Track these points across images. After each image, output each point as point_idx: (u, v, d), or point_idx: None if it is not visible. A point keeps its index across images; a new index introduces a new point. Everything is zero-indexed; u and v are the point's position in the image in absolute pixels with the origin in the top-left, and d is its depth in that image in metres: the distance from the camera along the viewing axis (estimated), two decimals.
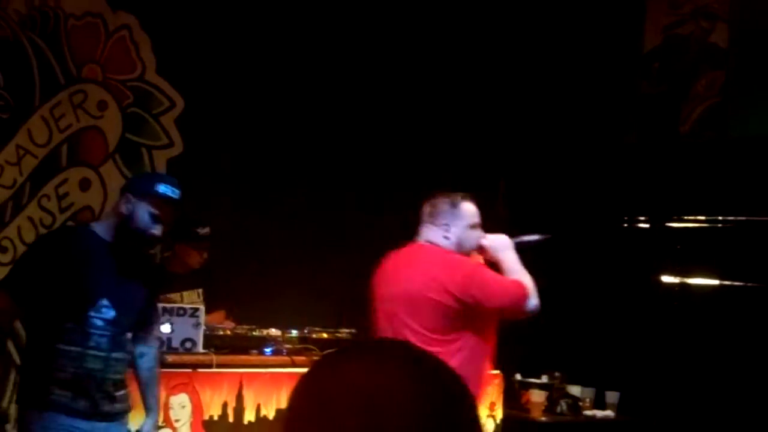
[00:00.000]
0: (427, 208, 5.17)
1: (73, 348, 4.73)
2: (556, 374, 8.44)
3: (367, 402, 1.40)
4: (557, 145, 9.49)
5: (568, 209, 9.32)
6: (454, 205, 5.10)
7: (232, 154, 7.97)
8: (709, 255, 8.48)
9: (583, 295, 9.05)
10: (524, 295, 4.90)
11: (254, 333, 6.80)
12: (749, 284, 8.25)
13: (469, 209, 5.11)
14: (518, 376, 8.36)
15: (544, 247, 5.48)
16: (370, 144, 8.65)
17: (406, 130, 8.84)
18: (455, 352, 4.80)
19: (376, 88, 8.68)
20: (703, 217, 8.62)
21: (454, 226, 5.08)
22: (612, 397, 8.46)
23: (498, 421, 7.43)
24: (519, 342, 8.38)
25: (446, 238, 5.08)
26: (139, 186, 4.98)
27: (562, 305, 9.03)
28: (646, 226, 8.86)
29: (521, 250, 5.19)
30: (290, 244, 8.07)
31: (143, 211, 4.80)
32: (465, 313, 4.88)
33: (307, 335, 6.96)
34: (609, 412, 8.41)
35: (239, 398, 6.32)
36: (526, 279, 4.98)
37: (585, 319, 9.00)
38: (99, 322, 4.77)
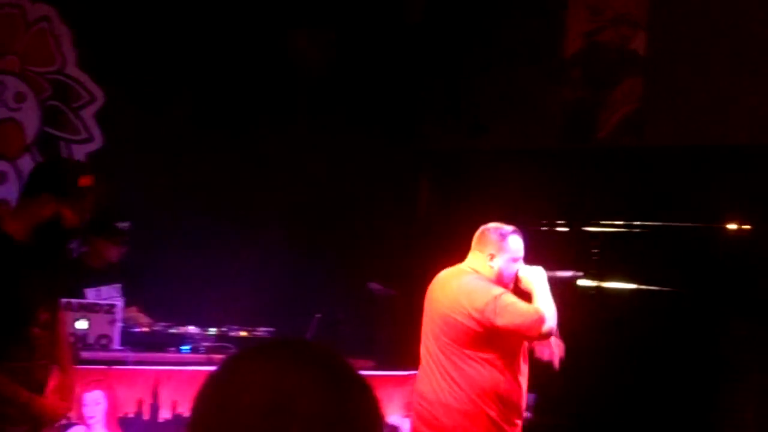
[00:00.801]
0: (477, 236, 5.70)
1: (19, 364, 4.53)
2: None
3: (271, 402, 1.40)
4: (478, 147, 9.54)
5: (488, 212, 9.36)
6: (502, 237, 5.61)
7: (152, 149, 7.90)
8: (625, 259, 8.57)
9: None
10: (538, 320, 5.33)
11: (172, 330, 6.75)
12: (665, 288, 8.36)
13: (514, 243, 5.61)
14: None
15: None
16: (290, 142, 8.64)
17: (319, 124, 8.85)
18: (488, 367, 5.43)
19: (291, 86, 8.69)
20: (620, 222, 8.71)
21: (498, 256, 5.58)
22: (528, 399, 8.50)
23: None
24: None
25: (490, 267, 5.58)
26: (59, 185, 4.65)
27: None
28: (565, 230, 8.94)
29: (553, 283, 5.64)
30: (210, 242, 8.03)
31: (67, 210, 4.56)
32: (489, 333, 5.37)
33: (225, 333, 6.92)
34: (526, 414, 8.46)
35: (155, 396, 6.27)
36: (547, 307, 5.41)
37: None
38: (40, 333, 4.59)
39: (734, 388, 7.32)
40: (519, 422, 5.72)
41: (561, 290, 5.67)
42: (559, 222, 8.98)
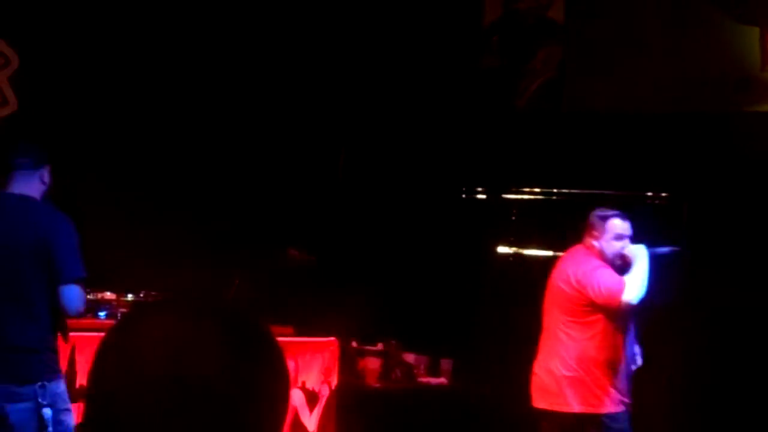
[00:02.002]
0: (588, 218, 6.37)
1: None
2: (392, 342, 8.52)
3: (173, 352, 1.41)
4: (398, 116, 9.54)
5: (408, 179, 9.39)
6: (604, 220, 6.27)
7: (68, 112, 7.78)
8: (543, 226, 8.63)
9: (419, 265, 9.13)
10: (619, 292, 6.00)
11: (88, 296, 6.67)
12: None
13: (615, 225, 6.25)
14: (354, 344, 8.40)
15: None
16: (209, 113, 8.57)
17: (246, 102, 8.79)
18: (590, 337, 6.12)
19: (216, 57, 8.60)
20: (538, 189, 8.77)
21: (601, 236, 6.25)
22: (446, 364, 8.58)
23: (333, 387, 7.46)
24: (356, 310, 8.43)
25: (594, 245, 6.28)
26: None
27: (399, 274, 9.12)
28: (483, 197, 8.98)
29: (655, 257, 6.20)
30: (127, 206, 7.94)
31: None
32: (587, 303, 6.09)
33: (142, 299, 6.86)
34: (442, 380, 8.53)
35: (71, 362, 6.18)
36: (633, 282, 6.04)
37: (421, 287, 9.09)
38: None
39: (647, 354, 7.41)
40: (615, 388, 6.17)
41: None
42: (478, 189, 9.02)
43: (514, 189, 8.80)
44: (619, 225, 6.27)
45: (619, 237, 6.25)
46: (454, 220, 9.09)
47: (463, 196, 9.03)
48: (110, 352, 1.11)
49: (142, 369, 1.10)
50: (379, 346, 8.48)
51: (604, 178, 8.49)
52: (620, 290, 6.01)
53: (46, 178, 5.18)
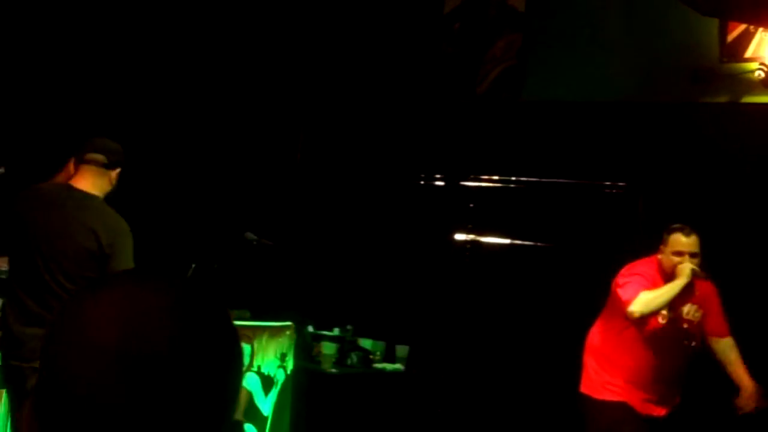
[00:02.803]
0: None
1: None
2: (348, 327, 8.52)
3: (123, 326, 1.39)
4: (358, 101, 9.53)
5: (367, 165, 9.39)
6: (668, 233, 6.48)
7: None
8: (501, 214, 8.65)
9: (377, 250, 9.14)
10: (627, 302, 6.25)
11: None
12: (538, 244, 8.47)
13: (676, 240, 6.43)
14: (310, 328, 8.39)
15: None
16: (167, 97, 8.50)
17: (204, 86, 8.73)
18: (605, 329, 6.58)
19: (175, 40, 8.54)
20: (496, 177, 8.78)
21: (664, 248, 6.48)
22: (402, 350, 8.59)
23: (289, 372, 7.44)
24: (312, 295, 8.42)
25: (658, 255, 6.51)
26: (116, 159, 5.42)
27: (356, 260, 9.12)
28: (442, 184, 8.98)
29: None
30: None
31: None
32: (618, 303, 6.37)
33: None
34: (398, 366, 8.54)
35: None
36: (648, 298, 6.26)
37: (378, 273, 9.09)
38: None
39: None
40: (640, 388, 6.51)
41: None
42: (437, 176, 9.02)
43: (472, 176, 8.80)
44: (679, 240, 6.43)
45: (678, 253, 6.40)
46: (413, 206, 9.09)
47: (422, 182, 9.02)
48: (60, 327, 1.11)
49: (92, 343, 1.10)
50: (336, 332, 8.48)
51: (562, 166, 8.52)
52: (628, 301, 6.24)
53: (115, 180, 5.30)
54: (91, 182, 5.23)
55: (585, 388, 6.63)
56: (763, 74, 7.80)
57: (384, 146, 9.38)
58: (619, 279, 6.44)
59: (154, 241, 7.96)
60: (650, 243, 6.99)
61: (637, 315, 6.24)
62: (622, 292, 6.34)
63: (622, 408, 6.46)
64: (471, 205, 8.57)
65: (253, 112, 9.03)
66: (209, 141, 8.87)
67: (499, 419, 8.52)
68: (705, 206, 7.75)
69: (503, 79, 9.16)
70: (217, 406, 1.45)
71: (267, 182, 9.16)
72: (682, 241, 6.40)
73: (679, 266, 6.34)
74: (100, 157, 5.27)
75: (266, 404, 7.13)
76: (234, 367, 1.50)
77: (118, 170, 5.33)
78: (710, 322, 6.55)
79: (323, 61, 9.44)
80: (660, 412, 6.56)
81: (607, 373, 6.53)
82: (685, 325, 6.43)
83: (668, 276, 6.38)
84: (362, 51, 9.47)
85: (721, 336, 6.56)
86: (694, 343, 6.50)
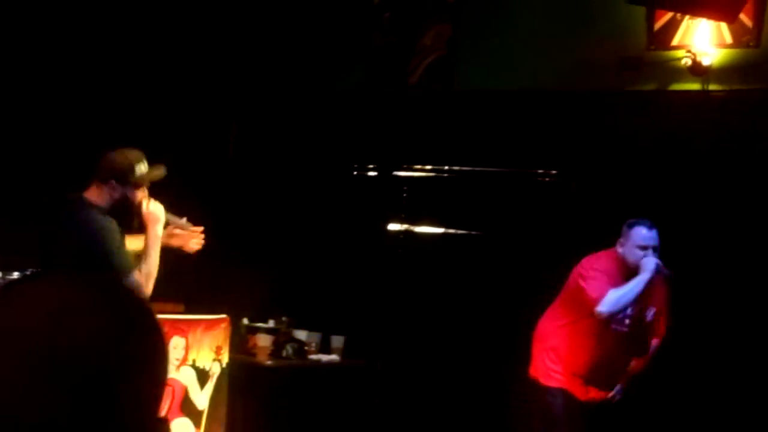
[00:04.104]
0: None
1: None
2: (283, 319, 8.51)
3: (47, 324, 1.39)
4: (290, 91, 9.50)
5: (299, 155, 9.37)
6: (629, 227, 6.47)
7: None
8: (434, 204, 8.68)
9: (311, 241, 9.13)
10: (595, 302, 6.30)
11: None
12: (472, 232, 8.51)
13: (638, 233, 6.43)
14: (245, 321, 8.37)
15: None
16: (98, 87, 8.43)
17: (134, 76, 8.65)
18: (570, 322, 6.52)
19: (102, 30, 8.47)
20: (429, 167, 8.81)
21: (626, 242, 6.47)
22: (338, 341, 8.59)
23: (224, 365, 7.42)
24: (247, 287, 8.40)
25: (618, 252, 6.52)
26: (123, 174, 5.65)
27: (290, 251, 9.11)
28: (375, 174, 8.99)
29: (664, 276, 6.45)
30: (15, 179, 7.81)
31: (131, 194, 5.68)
32: (578, 297, 6.44)
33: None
34: (334, 356, 8.55)
35: None
36: (617, 296, 6.30)
37: (313, 264, 9.09)
38: None
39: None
40: (582, 378, 6.62)
41: None
42: (370, 166, 9.03)
43: (405, 166, 8.82)
44: (641, 234, 6.43)
45: (642, 247, 6.40)
46: (346, 197, 9.10)
47: (355, 173, 9.03)
48: None
49: (15, 340, 1.09)
50: (271, 324, 8.46)
51: (494, 155, 8.56)
52: (596, 300, 6.30)
53: (116, 192, 5.54)
54: (96, 193, 5.63)
55: (534, 371, 6.72)
56: (690, 62, 7.89)
57: (317, 137, 9.37)
58: (582, 271, 6.47)
59: None
60: (582, 230, 7.07)
61: (605, 315, 6.31)
62: (588, 288, 6.37)
63: (562, 394, 6.56)
64: (404, 195, 8.60)
65: (186, 102, 8.97)
66: (142, 132, 8.79)
67: (435, 407, 8.57)
68: (635, 193, 7.83)
69: (434, 68, 9.18)
70: (142, 400, 1.45)
71: (200, 173, 9.10)
72: (646, 234, 6.42)
73: (644, 260, 6.36)
74: (97, 168, 5.69)
75: (202, 398, 7.10)
76: (158, 364, 1.50)
77: (116, 181, 5.63)
78: (661, 320, 6.65)
79: (254, 52, 9.40)
80: (601, 395, 6.69)
81: (552, 361, 6.61)
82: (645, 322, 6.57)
83: (631, 270, 6.40)
84: (294, 42, 9.45)
85: (659, 337, 6.68)
86: (651, 338, 6.65)
